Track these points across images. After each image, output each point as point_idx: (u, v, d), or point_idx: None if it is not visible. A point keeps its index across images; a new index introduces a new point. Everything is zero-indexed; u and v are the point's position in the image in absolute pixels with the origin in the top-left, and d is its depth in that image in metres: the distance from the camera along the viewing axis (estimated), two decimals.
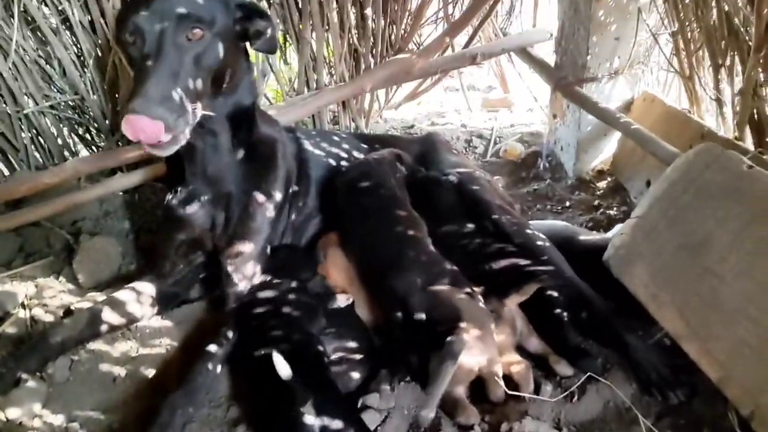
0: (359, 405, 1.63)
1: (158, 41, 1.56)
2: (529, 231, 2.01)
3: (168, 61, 1.54)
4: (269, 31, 1.82)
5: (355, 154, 2.34)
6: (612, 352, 1.76)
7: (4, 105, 2.33)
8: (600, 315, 1.81)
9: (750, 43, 1.82)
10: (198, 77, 1.61)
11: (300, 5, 2.72)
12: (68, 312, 1.95)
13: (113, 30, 2.24)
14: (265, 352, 1.59)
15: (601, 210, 2.64)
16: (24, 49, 2.25)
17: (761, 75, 1.84)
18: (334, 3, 2.68)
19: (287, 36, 2.88)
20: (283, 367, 1.51)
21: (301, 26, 2.71)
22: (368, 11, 2.78)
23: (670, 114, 2.49)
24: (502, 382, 1.59)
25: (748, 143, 2.03)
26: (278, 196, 1.97)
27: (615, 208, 2.62)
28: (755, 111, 2.00)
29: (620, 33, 2.56)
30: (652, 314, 1.72)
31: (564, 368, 1.74)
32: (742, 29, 1.92)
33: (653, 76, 2.78)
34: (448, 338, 1.51)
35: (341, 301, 1.81)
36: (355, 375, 1.71)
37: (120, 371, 1.78)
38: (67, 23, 2.34)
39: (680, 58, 2.35)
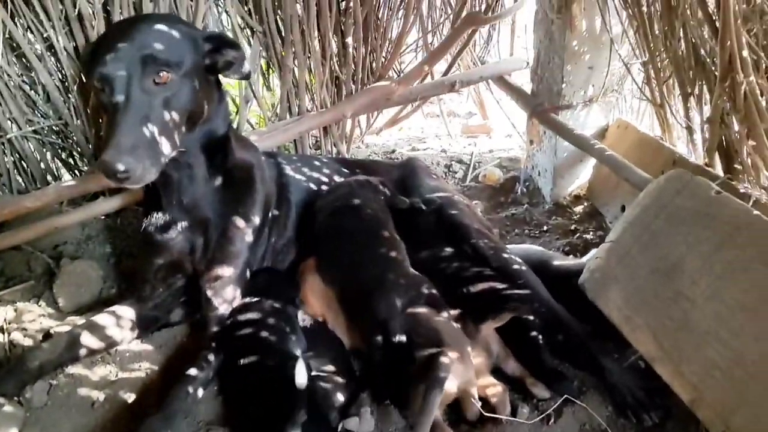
0: (339, 429, 1.63)
1: (126, 88, 1.55)
2: (506, 255, 2.05)
3: (136, 108, 1.55)
4: (240, 61, 1.81)
5: (336, 178, 2.37)
6: (588, 374, 1.80)
7: None
8: (576, 338, 1.84)
9: (716, 73, 1.89)
10: (170, 119, 1.62)
11: (282, 33, 2.77)
12: (47, 336, 1.94)
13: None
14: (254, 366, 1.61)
15: (578, 234, 2.69)
16: (8, 75, 2.26)
17: (727, 104, 1.91)
18: (316, 31, 2.74)
19: (270, 63, 2.93)
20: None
21: (283, 53, 2.76)
22: (349, 40, 2.84)
23: (643, 141, 2.56)
24: (478, 402, 1.61)
25: (718, 169, 2.10)
26: (257, 220, 1.99)
27: (591, 233, 2.67)
28: (723, 138, 2.07)
29: (594, 62, 2.64)
30: (626, 337, 1.76)
31: (541, 391, 1.76)
32: (708, 60, 1.99)
33: (627, 104, 2.85)
34: (434, 367, 1.53)
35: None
36: (335, 398, 1.72)
37: (99, 395, 1.77)
38: (52, 50, 2.36)
39: (651, 87, 2.42)
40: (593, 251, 2.33)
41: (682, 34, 2.07)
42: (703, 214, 1.71)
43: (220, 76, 1.88)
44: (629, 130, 2.69)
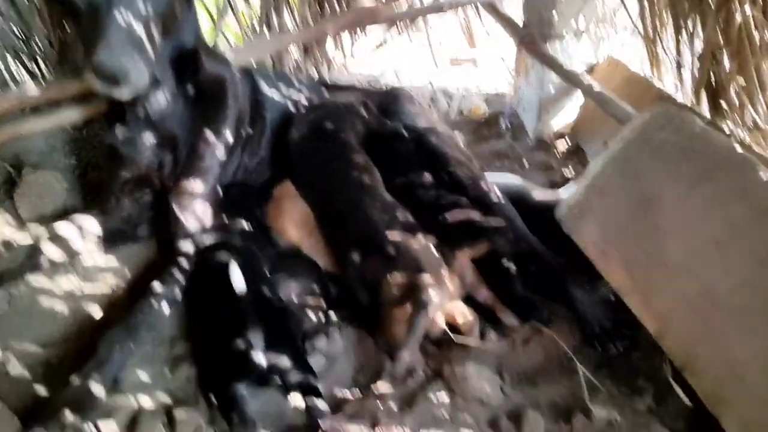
0: (307, 347, 1.62)
1: None
2: (484, 185, 2.01)
3: (122, 6, 1.48)
4: None
5: (316, 100, 2.28)
6: (558, 305, 1.80)
7: None
8: (549, 269, 1.83)
9: (711, 3, 1.83)
10: (152, 20, 1.56)
11: None
12: (7, 245, 1.88)
13: None
14: (218, 268, 1.59)
15: (559, 171, 2.66)
16: None
17: (720, 38, 1.85)
18: None
19: None
20: (238, 281, 1.49)
21: None
22: None
23: (632, 79, 2.50)
24: (443, 321, 1.60)
25: (705, 111, 2.06)
26: (228, 136, 1.92)
27: (572, 170, 2.64)
28: (712, 76, 2.02)
29: None
30: (599, 270, 1.75)
31: (510, 318, 1.76)
32: None
33: (617, 40, 2.77)
34: (420, 292, 1.55)
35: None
36: (306, 317, 1.71)
37: (61, 307, 1.73)
38: None
39: (644, 21, 2.35)
40: (570, 183, 2.31)
41: None
42: (686, 149, 1.67)
43: None
44: (619, 67, 2.62)
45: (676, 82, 2.28)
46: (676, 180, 1.65)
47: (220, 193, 1.93)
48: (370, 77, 3.73)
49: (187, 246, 1.80)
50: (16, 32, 2.40)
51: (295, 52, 2.92)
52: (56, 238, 1.83)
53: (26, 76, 2.53)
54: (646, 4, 2.25)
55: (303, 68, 3.02)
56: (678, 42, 2.15)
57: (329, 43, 2.99)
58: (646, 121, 1.83)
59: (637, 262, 1.64)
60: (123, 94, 1.57)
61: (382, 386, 1.51)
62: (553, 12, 2.56)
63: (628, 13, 2.45)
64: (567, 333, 1.71)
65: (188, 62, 1.85)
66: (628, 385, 1.55)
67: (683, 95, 2.26)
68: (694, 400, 1.41)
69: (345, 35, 3.07)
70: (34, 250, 1.79)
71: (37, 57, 2.49)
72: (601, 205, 1.82)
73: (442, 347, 1.65)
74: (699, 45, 2.06)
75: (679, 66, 2.21)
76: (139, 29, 1.51)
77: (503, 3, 3.06)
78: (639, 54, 2.70)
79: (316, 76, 3.05)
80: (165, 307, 1.67)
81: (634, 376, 1.57)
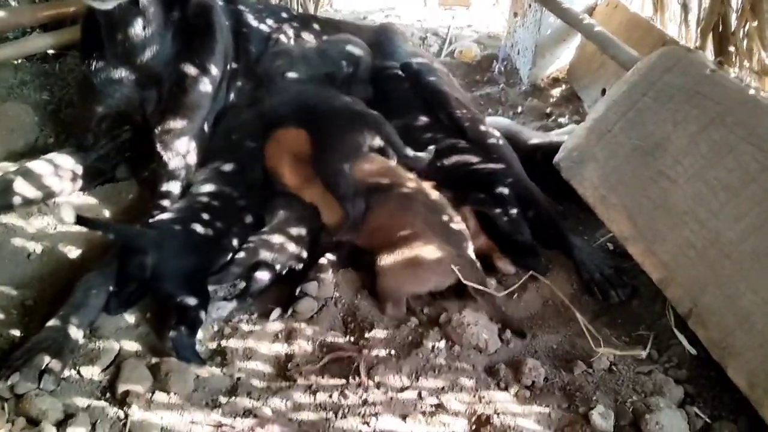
0: (298, 293, 1.56)
1: None
2: (483, 127, 1.95)
3: None
4: None
5: (305, 35, 2.15)
6: (555, 252, 1.75)
7: None
8: (546, 215, 1.79)
9: None
10: None
11: None
12: None
13: None
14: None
15: (553, 117, 2.60)
16: None
17: None
18: None
19: None
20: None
21: None
22: None
23: (633, 21, 2.41)
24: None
25: (709, 54, 1.99)
26: (214, 70, 1.79)
27: (567, 116, 2.58)
28: (719, 18, 1.95)
29: None
30: (599, 216, 1.70)
31: (507, 266, 1.73)
32: None
33: None
34: None
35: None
36: (297, 261, 1.64)
37: (36, 247, 1.64)
38: None
39: None
40: (568, 127, 2.25)
41: None
42: (693, 92, 1.61)
43: None
44: (619, 9, 2.53)
45: (681, 26, 2.20)
46: (682, 124, 1.59)
47: (206, 130, 1.82)
48: (356, 15, 3.59)
49: (171, 186, 1.70)
50: None
51: None
52: (29, 176, 1.71)
53: None
54: None
55: (289, 4, 2.86)
56: None
57: None
58: (651, 62, 1.75)
59: (640, 208, 1.59)
60: (104, 3, 1.43)
61: (376, 333, 1.46)
62: None
63: None
64: (564, 281, 1.68)
65: None
66: (629, 334, 1.51)
67: (687, 40, 2.19)
68: (697, 349, 1.38)
69: None
70: (5, 187, 1.67)
71: None
72: (602, 150, 1.75)
73: (438, 295, 1.60)
74: None
75: (685, 8, 2.13)
76: None
77: None
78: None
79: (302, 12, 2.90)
80: None
81: (634, 324, 1.54)
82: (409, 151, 1.76)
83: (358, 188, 1.66)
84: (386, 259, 1.56)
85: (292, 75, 2.00)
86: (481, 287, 1.55)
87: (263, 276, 1.60)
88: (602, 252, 1.75)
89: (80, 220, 1.44)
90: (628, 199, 1.63)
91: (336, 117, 1.78)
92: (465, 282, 1.54)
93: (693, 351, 1.38)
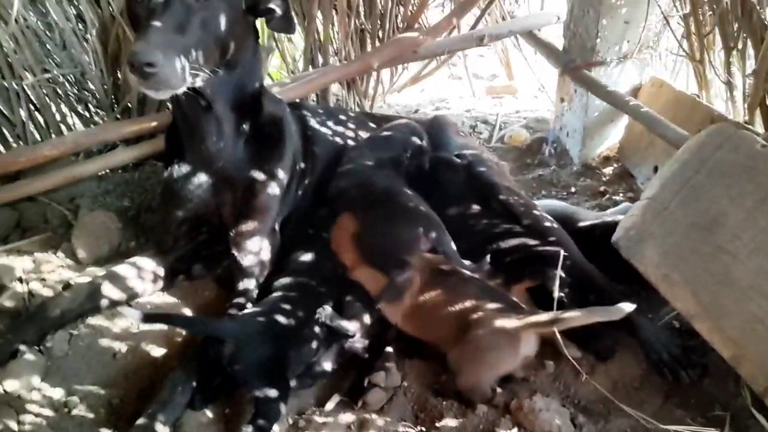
0: (366, 384, 1.60)
1: None
2: (537, 212, 1.99)
3: (173, 14, 1.52)
4: (280, 8, 1.77)
5: (362, 132, 2.30)
6: (621, 333, 1.74)
7: (2, 79, 2.28)
8: (609, 297, 1.78)
9: (766, 22, 1.80)
10: (200, 41, 1.58)
11: None
12: (67, 286, 1.90)
13: (117, 1, 2.20)
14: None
15: (607, 196, 2.62)
16: (25, 19, 2.19)
17: None
18: None
19: (294, 13, 2.82)
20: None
21: (308, 3, 2.66)
22: None
23: (679, 99, 2.46)
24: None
25: (759, 128, 2.01)
26: (284, 176, 1.93)
27: (621, 194, 2.60)
28: (766, 94, 1.98)
29: (630, 16, 2.54)
30: (663, 294, 1.70)
31: (572, 350, 1.71)
32: (757, 8, 1.89)
33: (662, 61, 2.75)
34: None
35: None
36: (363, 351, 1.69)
37: (120, 347, 1.74)
38: None
39: (691, 41, 2.32)
40: (623, 205, 2.27)
41: None
42: (746, 168, 1.63)
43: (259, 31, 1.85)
44: (664, 88, 2.59)
45: (727, 102, 2.24)
46: (738, 199, 1.61)
47: (277, 229, 1.94)
48: (408, 109, 3.77)
49: (247, 284, 1.81)
50: (69, 78, 2.48)
51: (337, 89, 2.95)
52: (115, 279, 1.85)
53: (78, 122, 2.61)
54: (692, 25, 2.23)
55: (345, 102, 3.05)
56: (728, 62, 2.12)
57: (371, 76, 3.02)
58: (701, 140, 1.79)
59: (702, 284, 1.59)
60: (157, 91, 1.57)
61: (447, 422, 1.48)
62: (597, 40, 2.55)
63: (673, 33, 2.44)
64: (632, 362, 1.66)
65: (250, 103, 1.88)
66: (704, 415, 1.48)
67: (734, 114, 2.22)
68: None
69: (385, 69, 3.08)
70: (93, 291, 1.81)
71: (89, 102, 2.57)
72: (659, 228, 1.77)
73: (506, 380, 1.61)
74: (750, 65, 2.03)
75: (730, 85, 2.18)
76: (185, 41, 1.53)
77: (541, 30, 3.07)
78: (684, 75, 2.66)
79: (358, 109, 3.08)
80: None
81: (708, 404, 1.51)
82: (465, 262, 1.79)
83: (406, 261, 1.70)
84: (458, 354, 1.57)
85: (359, 161, 2.09)
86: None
87: (327, 362, 1.65)
88: (668, 330, 1.73)
89: (147, 317, 1.55)
90: (691, 275, 1.63)
91: (399, 209, 1.86)
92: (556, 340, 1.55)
93: None
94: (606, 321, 1.72)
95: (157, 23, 1.49)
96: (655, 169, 2.47)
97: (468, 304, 1.62)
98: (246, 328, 1.57)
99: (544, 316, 1.55)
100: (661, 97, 2.58)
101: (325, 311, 1.62)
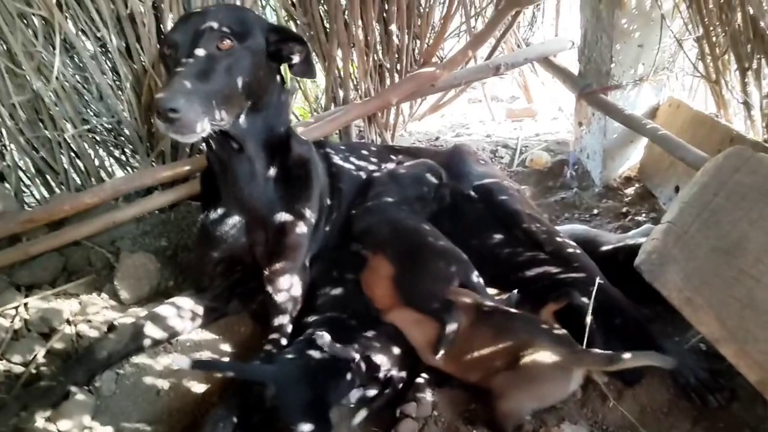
0: (398, 414, 1.65)
1: (189, 48, 1.66)
2: (559, 239, 2.03)
3: (197, 64, 1.63)
4: (302, 54, 1.87)
5: (384, 165, 2.37)
6: None
7: (45, 130, 2.42)
8: (634, 321, 1.82)
9: None
10: (224, 87, 1.68)
11: (326, 24, 2.78)
12: (112, 327, 2.01)
13: (149, 54, 2.33)
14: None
15: (630, 217, 2.65)
16: (63, 75, 2.33)
17: None
18: (360, 21, 2.74)
19: (314, 54, 2.94)
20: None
21: (327, 44, 2.77)
22: (393, 27, 2.83)
23: (697, 119, 2.49)
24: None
25: None
26: (312, 214, 2.02)
27: (644, 215, 2.62)
28: None
29: (644, 40, 2.58)
30: (687, 318, 1.71)
31: (598, 375, 1.75)
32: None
33: (678, 82, 2.78)
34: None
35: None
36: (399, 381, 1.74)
37: (163, 384, 1.83)
38: (105, 49, 2.42)
39: (705, 63, 2.36)
40: (645, 227, 2.29)
41: (739, 6, 2.00)
42: (765, 190, 1.66)
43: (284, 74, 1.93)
44: (681, 108, 2.62)
45: (746, 120, 2.27)
46: (759, 222, 1.63)
47: (307, 264, 2.02)
48: (429, 136, 3.84)
49: (281, 319, 1.89)
50: (107, 127, 2.61)
51: (358, 121, 3.04)
52: (157, 319, 1.95)
53: (116, 167, 2.74)
54: (706, 47, 2.27)
55: (366, 135, 3.14)
56: (744, 82, 2.15)
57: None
58: (719, 163, 1.82)
59: (726, 308, 1.61)
60: (182, 135, 1.63)
61: None
62: (611, 64, 2.60)
63: (687, 56, 2.47)
64: (660, 387, 1.69)
65: (279, 145, 1.97)
66: None
67: (753, 133, 2.24)
68: None
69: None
70: (137, 332, 1.91)
71: (125, 148, 2.70)
72: (681, 252, 1.79)
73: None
74: (766, 84, 2.05)
75: (747, 105, 2.20)
76: (209, 87, 1.62)
77: (557, 55, 3.12)
78: (702, 95, 2.69)
79: (379, 141, 3.16)
80: None
81: (737, 428, 1.53)
82: (491, 292, 1.86)
83: (451, 303, 1.72)
84: (506, 379, 1.59)
85: (385, 198, 2.15)
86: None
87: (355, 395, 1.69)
88: (695, 354, 1.75)
89: (196, 364, 1.62)
90: (714, 299, 1.65)
91: (431, 249, 1.90)
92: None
93: None
94: (631, 345, 1.78)
95: (181, 71, 1.60)
96: (677, 189, 2.49)
97: (516, 341, 1.63)
98: (284, 368, 1.63)
99: (601, 356, 1.58)
100: (679, 117, 2.60)
101: (323, 338, 1.66)
